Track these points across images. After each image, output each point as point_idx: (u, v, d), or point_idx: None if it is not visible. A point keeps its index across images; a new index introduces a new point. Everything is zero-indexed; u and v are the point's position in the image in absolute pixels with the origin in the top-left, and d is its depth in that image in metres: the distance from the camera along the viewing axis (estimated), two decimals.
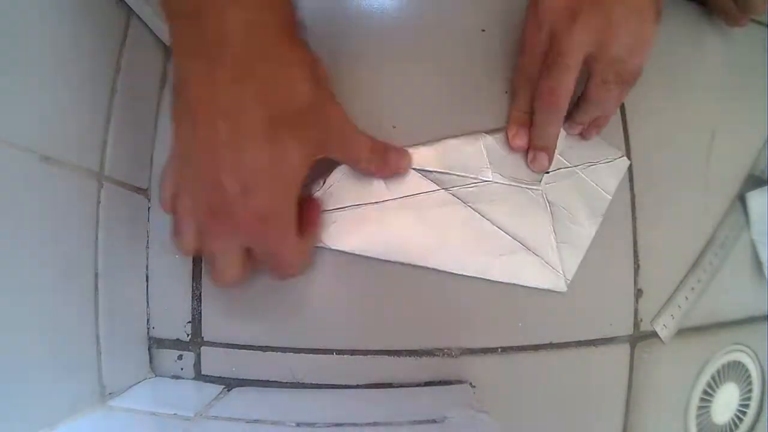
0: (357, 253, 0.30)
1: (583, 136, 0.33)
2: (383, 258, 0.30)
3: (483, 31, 0.33)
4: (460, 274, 0.31)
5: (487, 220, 0.31)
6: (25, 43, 0.22)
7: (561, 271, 0.32)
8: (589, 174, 0.33)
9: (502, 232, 0.31)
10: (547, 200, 0.32)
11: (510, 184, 0.32)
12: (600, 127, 0.33)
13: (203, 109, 0.23)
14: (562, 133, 0.32)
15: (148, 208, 0.31)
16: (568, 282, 0.32)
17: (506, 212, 0.31)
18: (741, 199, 0.38)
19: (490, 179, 0.31)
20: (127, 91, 0.29)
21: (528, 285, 0.31)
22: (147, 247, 0.31)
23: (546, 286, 0.32)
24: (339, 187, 0.30)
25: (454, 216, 0.31)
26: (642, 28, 0.28)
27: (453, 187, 0.31)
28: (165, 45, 0.32)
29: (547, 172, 0.32)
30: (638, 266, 0.34)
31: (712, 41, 0.39)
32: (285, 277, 0.27)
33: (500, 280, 0.31)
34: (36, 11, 0.23)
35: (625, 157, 0.34)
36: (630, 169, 0.35)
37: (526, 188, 0.32)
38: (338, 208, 0.30)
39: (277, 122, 0.23)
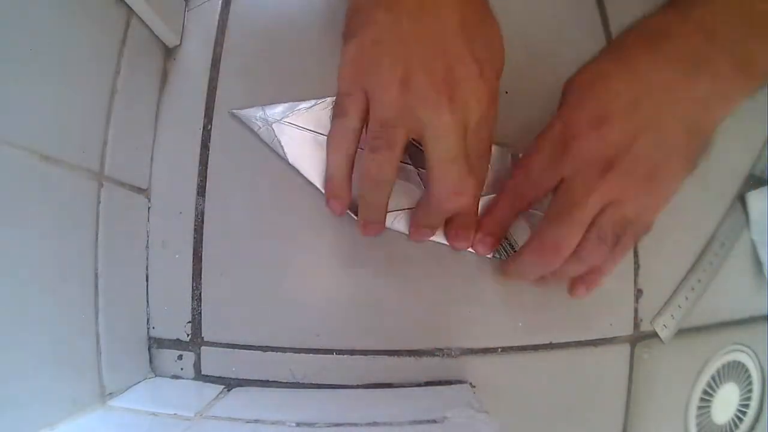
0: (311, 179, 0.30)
1: (570, 291, 0.30)
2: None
3: None
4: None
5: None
6: (25, 43, 0.22)
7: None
8: None
9: None
10: None
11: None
12: (591, 284, 0.29)
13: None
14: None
15: (148, 208, 0.31)
16: None
17: None
18: (741, 199, 0.38)
19: None
20: (127, 91, 0.29)
21: None
22: (147, 247, 0.31)
23: None
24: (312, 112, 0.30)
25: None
26: (671, 185, 0.24)
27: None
28: (165, 45, 0.32)
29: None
30: (638, 266, 0.34)
31: None
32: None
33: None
34: (36, 11, 0.23)
35: None
36: None
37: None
38: (310, 129, 0.30)
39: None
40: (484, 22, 0.25)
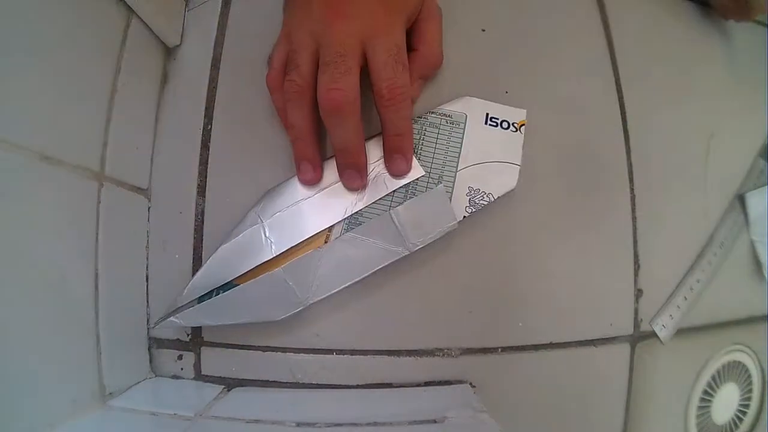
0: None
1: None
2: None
3: (483, 31, 0.33)
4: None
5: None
6: (25, 43, 0.22)
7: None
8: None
9: None
10: None
11: None
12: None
13: None
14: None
15: (148, 208, 0.31)
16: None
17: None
18: (740, 199, 0.38)
19: None
20: (127, 91, 0.29)
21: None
22: (147, 247, 0.31)
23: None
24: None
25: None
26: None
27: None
28: (165, 45, 0.32)
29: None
30: (638, 266, 0.34)
31: (712, 41, 0.39)
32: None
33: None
34: (36, 11, 0.23)
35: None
36: (630, 168, 0.35)
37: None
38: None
39: None
40: None
